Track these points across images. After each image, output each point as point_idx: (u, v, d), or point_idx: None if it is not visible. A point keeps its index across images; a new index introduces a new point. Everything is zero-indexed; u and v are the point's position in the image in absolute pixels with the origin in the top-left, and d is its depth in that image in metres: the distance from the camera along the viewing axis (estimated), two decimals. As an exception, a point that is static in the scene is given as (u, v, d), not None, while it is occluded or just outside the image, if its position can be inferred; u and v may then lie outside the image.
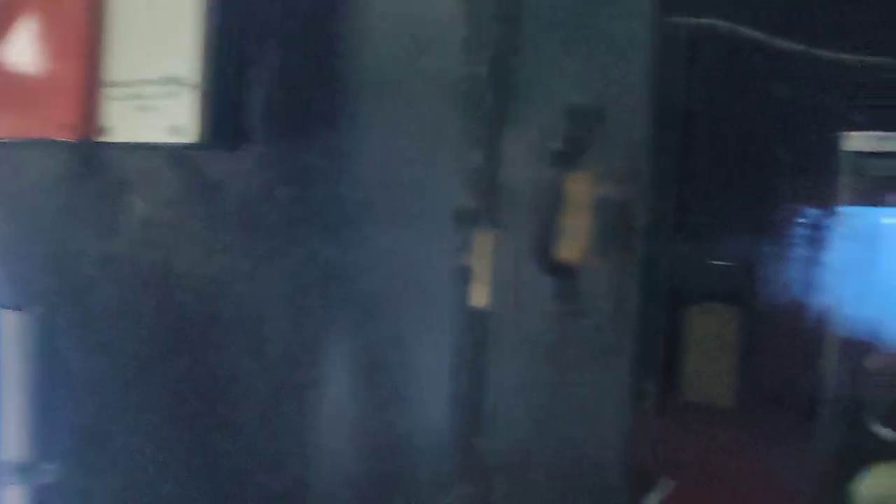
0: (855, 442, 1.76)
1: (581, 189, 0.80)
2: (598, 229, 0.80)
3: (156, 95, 0.89)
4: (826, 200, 2.11)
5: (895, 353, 1.26)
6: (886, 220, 1.91)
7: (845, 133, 1.90)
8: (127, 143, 0.93)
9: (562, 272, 0.81)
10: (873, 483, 1.62)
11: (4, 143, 1.09)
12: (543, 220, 0.81)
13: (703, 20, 2.00)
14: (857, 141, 1.88)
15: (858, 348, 1.56)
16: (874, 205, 1.91)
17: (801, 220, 2.39)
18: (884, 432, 1.23)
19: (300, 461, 0.92)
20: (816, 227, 2.40)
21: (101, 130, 0.94)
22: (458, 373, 0.84)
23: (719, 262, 2.51)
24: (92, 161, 0.98)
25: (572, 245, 0.81)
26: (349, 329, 0.90)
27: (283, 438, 0.93)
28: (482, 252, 0.84)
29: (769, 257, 2.55)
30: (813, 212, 2.34)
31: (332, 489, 0.91)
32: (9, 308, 1.09)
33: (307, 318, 0.91)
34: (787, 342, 2.50)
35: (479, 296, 0.85)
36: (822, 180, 2.01)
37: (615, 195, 0.79)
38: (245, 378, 0.95)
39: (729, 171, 2.38)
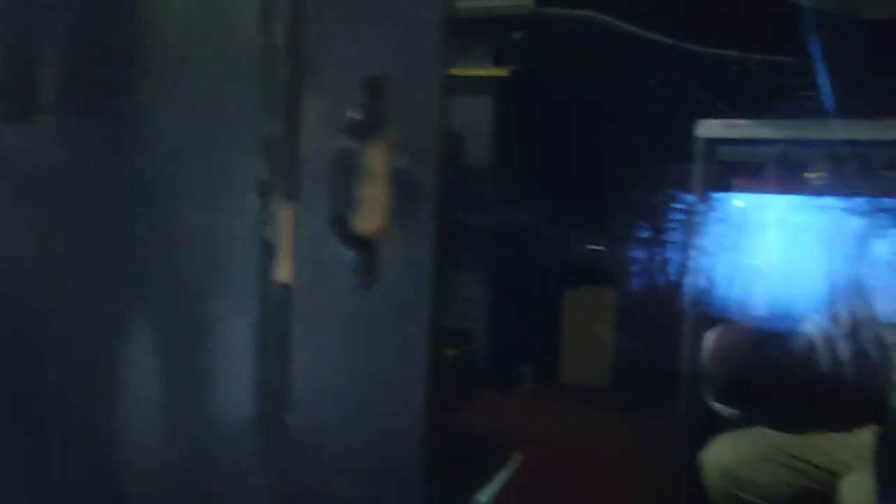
0: (703, 415, 1.83)
1: (378, 159, 0.80)
2: (395, 200, 0.79)
3: (-64, 65, 0.84)
4: (681, 185, 2.18)
5: (726, 331, 1.31)
6: (737, 203, 2.00)
7: (699, 120, 1.98)
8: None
9: (360, 244, 0.80)
10: (717, 453, 1.69)
11: None
12: (341, 192, 0.80)
13: (573, 11, 2.05)
14: (710, 128, 1.96)
15: (708, 326, 1.62)
16: (727, 189, 2.00)
17: (660, 205, 2.47)
18: (717, 407, 1.28)
19: (106, 446, 0.88)
20: (675, 211, 2.48)
21: None
22: (263, 350, 0.83)
23: (593, 247, 2.57)
24: None
25: (370, 216, 0.80)
26: (152, 307, 0.87)
27: (87, 422, 0.89)
28: (284, 225, 0.82)
29: (634, 241, 2.63)
30: (670, 197, 2.42)
31: (139, 473, 0.88)
32: None
33: (110, 298, 0.88)
34: (650, 323, 2.58)
35: (282, 270, 0.83)
36: (678, 166, 2.09)
37: (412, 166, 0.79)
38: (47, 362, 0.90)
39: (589, 159, 2.44)
